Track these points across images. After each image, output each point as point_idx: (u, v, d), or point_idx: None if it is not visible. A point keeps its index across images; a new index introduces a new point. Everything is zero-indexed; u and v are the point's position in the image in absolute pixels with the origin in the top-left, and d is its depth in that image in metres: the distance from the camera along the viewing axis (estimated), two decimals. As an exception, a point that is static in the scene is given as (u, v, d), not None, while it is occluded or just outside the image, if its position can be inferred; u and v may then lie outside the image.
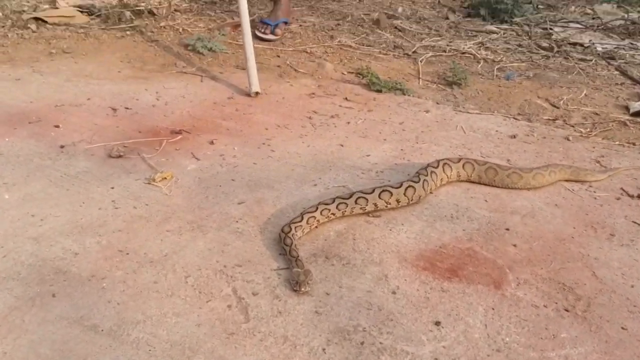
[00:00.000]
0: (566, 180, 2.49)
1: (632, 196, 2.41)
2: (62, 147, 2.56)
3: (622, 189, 2.46)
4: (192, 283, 1.84)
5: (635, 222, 2.24)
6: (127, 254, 1.95)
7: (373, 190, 2.18)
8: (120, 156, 2.51)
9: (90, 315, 1.70)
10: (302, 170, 2.48)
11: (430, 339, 1.66)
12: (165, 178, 2.36)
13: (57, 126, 2.71)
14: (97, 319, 1.68)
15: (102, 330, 1.65)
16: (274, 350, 1.60)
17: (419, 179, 2.25)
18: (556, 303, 1.83)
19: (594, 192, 2.44)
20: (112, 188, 2.29)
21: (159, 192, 2.28)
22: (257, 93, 3.13)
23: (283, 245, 1.96)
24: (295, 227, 2.03)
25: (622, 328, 1.74)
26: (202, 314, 1.71)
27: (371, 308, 1.76)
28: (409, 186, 2.22)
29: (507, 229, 2.17)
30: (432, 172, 2.32)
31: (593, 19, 4.68)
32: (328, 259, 1.97)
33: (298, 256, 1.90)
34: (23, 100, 2.92)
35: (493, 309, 1.79)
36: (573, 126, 2.99)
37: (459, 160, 2.42)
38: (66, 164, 2.44)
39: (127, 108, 2.92)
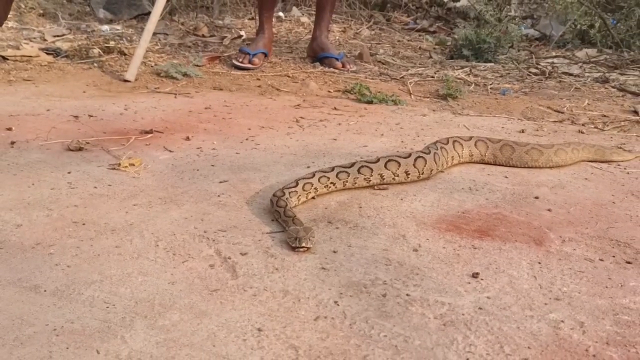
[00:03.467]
0: (590, 161, 2.24)
1: (667, 171, 2.15)
2: (12, 143, 2.25)
3: (654, 165, 2.21)
4: (164, 246, 1.51)
5: (679, 189, 1.97)
6: (84, 224, 1.61)
7: (378, 160, 1.90)
8: (80, 149, 2.20)
9: (31, 277, 1.34)
10: (292, 157, 2.19)
11: (469, 290, 1.35)
12: (133, 164, 2.05)
13: (10, 129, 2.41)
14: (39, 281, 1.32)
15: (45, 291, 1.29)
16: (272, 304, 1.26)
17: (430, 151, 1.99)
18: (614, 257, 1.53)
19: (624, 169, 2.18)
20: (69, 173, 1.97)
21: (125, 176, 1.97)
22: (126, 81, 3.18)
23: (276, 208, 1.65)
24: (290, 193, 1.73)
25: (701, 275, 1.42)
26: (177, 273, 1.38)
27: (390, 264, 1.45)
28: (419, 157, 1.95)
29: (537, 198, 1.89)
30: (442, 147, 2.06)
31: (575, 63, 4.65)
32: (331, 223, 1.67)
33: (295, 216, 1.60)
34: (-28, 111, 2.62)
35: (539, 262, 1.48)
36: (583, 125, 2.78)
37: (470, 138, 2.18)
38: (16, 155, 2.12)
39: (90, 116, 2.64)
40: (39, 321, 1.17)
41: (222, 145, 2.30)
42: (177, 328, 1.17)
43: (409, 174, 1.93)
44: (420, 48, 4.72)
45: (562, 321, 1.23)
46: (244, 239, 1.54)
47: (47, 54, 3.87)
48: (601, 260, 1.51)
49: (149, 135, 2.38)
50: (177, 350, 1.10)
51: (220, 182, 1.93)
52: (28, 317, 1.19)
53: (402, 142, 2.41)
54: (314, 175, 1.81)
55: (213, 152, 2.22)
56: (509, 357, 1.11)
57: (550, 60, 4.34)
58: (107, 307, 1.23)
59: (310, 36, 4.12)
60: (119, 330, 1.15)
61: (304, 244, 1.45)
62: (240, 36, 4.51)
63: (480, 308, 1.27)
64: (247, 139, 2.38)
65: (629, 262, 1.50)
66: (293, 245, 1.47)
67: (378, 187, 1.90)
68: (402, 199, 1.84)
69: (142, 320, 1.18)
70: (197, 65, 3.66)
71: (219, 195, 1.82)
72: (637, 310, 1.28)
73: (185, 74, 3.41)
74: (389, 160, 1.90)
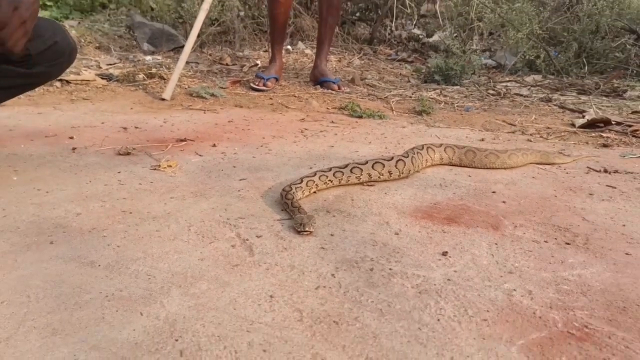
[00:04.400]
0: (537, 163, 2.22)
1: (599, 171, 2.15)
2: (74, 149, 2.24)
3: (588, 167, 2.21)
4: (195, 230, 1.49)
5: (609, 186, 1.97)
6: (130, 213, 1.60)
7: (366, 162, 1.89)
8: (128, 154, 2.19)
9: (88, 255, 1.33)
10: (297, 160, 2.17)
11: (439, 265, 1.34)
12: (170, 166, 2.04)
13: (72, 137, 2.41)
14: (94, 258, 1.31)
15: (99, 265, 1.27)
16: (281, 277, 1.25)
17: (408, 155, 1.98)
18: (555, 239, 1.51)
19: (564, 169, 2.17)
20: (119, 172, 1.96)
21: (164, 175, 1.95)
22: (163, 99, 3.16)
23: (284, 200, 1.64)
24: (296, 188, 1.71)
25: (626, 254, 1.42)
26: (206, 252, 1.36)
27: (376, 244, 1.43)
28: (400, 160, 1.94)
29: (494, 192, 1.88)
30: (418, 152, 2.04)
31: (525, 86, 4.64)
32: (329, 212, 1.65)
33: (300, 206, 1.58)
34: (41, 124, 2.62)
35: (496, 243, 1.47)
36: (531, 135, 2.77)
37: (441, 145, 2.17)
38: (76, 159, 2.11)
39: (136, 127, 2.63)
40: (94, 289, 1.17)
41: (242, 151, 2.28)
42: (205, 295, 1.16)
43: (391, 174, 1.92)
44: (400, 74, 4.70)
45: (514, 290, 1.22)
46: (259, 225, 1.53)
47: (102, 78, 3.87)
48: (545, 242, 1.50)
49: (183, 143, 2.37)
50: (205, 313, 1.09)
51: (240, 179, 1.91)
52: (85, 286, 1.18)
53: (386, 148, 2.39)
54: (315, 174, 1.80)
55: (234, 156, 2.20)
56: (472, 318, 1.11)
57: (504, 84, 4.32)
58: (149, 279, 1.22)
59: (312, 64, 4.11)
60: (159, 296, 1.15)
61: (307, 229, 1.45)
62: (257, 64, 4.50)
63: (448, 279, 1.26)
64: (261, 146, 2.36)
65: (568, 244, 1.49)
66: (299, 229, 1.46)
67: (367, 184, 1.88)
68: (386, 193, 1.82)
69: (177, 289, 1.18)
70: (222, 88, 3.65)
71: (239, 190, 1.80)
72: (574, 281, 1.27)
73: (212, 94, 3.40)
74: (375, 162, 1.89)
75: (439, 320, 1.09)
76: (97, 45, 4.79)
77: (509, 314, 1.12)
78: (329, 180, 1.81)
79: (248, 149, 2.32)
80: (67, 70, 3.93)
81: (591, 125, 2.88)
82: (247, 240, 1.43)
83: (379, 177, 1.90)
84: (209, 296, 1.15)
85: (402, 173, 1.93)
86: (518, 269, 1.32)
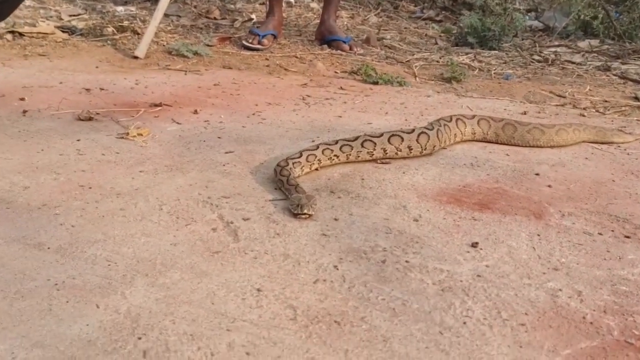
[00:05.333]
0: (591, 142, 2.18)
1: (667, 153, 2.10)
2: (24, 112, 2.21)
3: (654, 148, 2.16)
4: (168, 210, 1.47)
5: (679, 170, 1.92)
6: (90, 188, 1.58)
7: (381, 135, 1.85)
8: (90, 119, 2.16)
9: (36, 235, 1.30)
10: (297, 132, 2.14)
11: (467, 258, 1.31)
12: (141, 134, 2.02)
13: (23, 99, 2.38)
14: (43, 239, 1.29)
15: (49, 248, 1.25)
16: (272, 267, 1.22)
17: (433, 128, 1.94)
18: (612, 231, 1.48)
19: (625, 150, 2.13)
20: (78, 140, 1.93)
21: (133, 145, 1.93)
22: (136, 57, 3.15)
23: (279, 177, 1.61)
24: (293, 163, 1.68)
25: (700, 250, 1.38)
26: (180, 235, 1.34)
27: (390, 232, 1.41)
28: (422, 133, 1.90)
29: (537, 174, 1.85)
30: (445, 124, 2.00)
31: (578, 52, 4.57)
32: (333, 193, 1.63)
33: (297, 185, 1.56)
34: (-13, 82, 2.58)
35: (538, 235, 1.44)
36: (585, 108, 2.72)
37: (473, 117, 2.12)
38: (27, 123, 2.08)
39: (102, 89, 2.60)
40: (41, 276, 1.14)
41: (229, 119, 2.25)
42: (177, 286, 1.14)
43: (411, 149, 1.88)
44: (426, 35, 4.65)
45: (560, 290, 1.19)
46: (247, 206, 1.51)
47: (63, 31, 3.83)
48: (600, 234, 1.46)
49: (158, 108, 2.34)
50: (176, 307, 1.07)
51: (226, 152, 1.89)
52: (30, 272, 1.16)
53: (406, 120, 2.36)
54: (317, 147, 1.77)
55: (220, 125, 2.18)
56: (506, 322, 1.08)
57: (553, 49, 4.26)
58: (109, 265, 1.20)
59: (318, 20, 4.06)
60: (120, 286, 1.12)
61: (305, 211, 1.41)
62: (251, 19, 4.45)
63: (478, 275, 1.23)
64: (253, 114, 2.34)
65: (627, 237, 1.45)
66: (295, 212, 1.43)
67: (381, 161, 1.86)
68: (404, 173, 1.79)
69: (143, 278, 1.15)
70: (208, 45, 3.61)
71: (224, 165, 1.78)
72: (634, 281, 1.24)
73: (195, 53, 3.36)
74: (393, 135, 1.86)
75: (465, 323, 1.06)
76: (58, -8, 4.75)
77: (552, 318, 1.09)
78: (335, 155, 1.78)
79: (237, 117, 2.29)
80: (21, 21, 3.90)
81: (659, 99, 2.83)
82: (232, 223, 1.41)
83: (396, 154, 1.86)
84: (182, 288, 1.13)
85: (425, 149, 1.90)
86: (565, 265, 1.29)
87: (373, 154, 1.84)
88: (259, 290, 1.14)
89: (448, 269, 1.25)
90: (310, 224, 1.42)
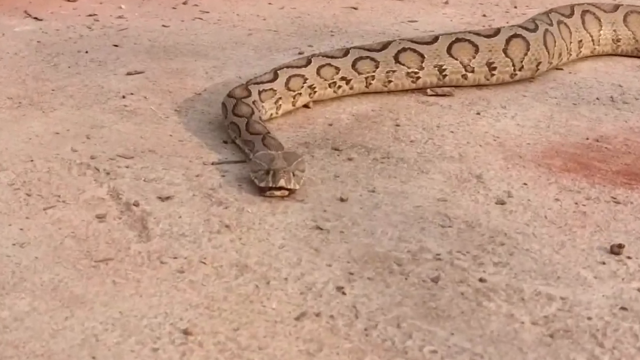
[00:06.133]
0: None
1: None
2: None
3: None
4: (11, 181, 1.15)
5: None
6: None
7: (436, 39, 1.42)
8: None
9: None
10: (270, 36, 1.74)
11: (603, 276, 0.99)
12: None
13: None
14: None
15: None
16: (214, 289, 0.92)
17: (536, 27, 1.48)
18: None
19: None
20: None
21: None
22: None
23: (232, 118, 1.22)
24: (261, 92, 1.28)
25: None
26: (33, 228, 1.04)
27: (450, 224, 1.07)
28: (515, 36, 1.45)
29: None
30: (560, 22, 1.52)
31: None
32: (339, 151, 1.26)
33: (267, 132, 1.19)
34: None
35: None
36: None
37: (617, 8, 1.63)
38: None
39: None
40: None
41: (137, 12, 1.84)
42: (24, 325, 0.81)
43: (494, 68, 1.45)
44: None
45: None
46: (168, 173, 1.17)
47: None
48: None
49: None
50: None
51: (129, 73, 1.52)
52: None
53: (484, 15, 1.91)
54: (309, 62, 1.35)
55: (118, 22, 1.78)
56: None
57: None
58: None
59: None
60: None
61: (281, 183, 1.05)
62: None
63: (623, 308, 0.90)
64: (184, 3, 1.91)
65: None
66: (262, 184, 1.07)
67: (433, 91, 1.45)
68: (478, 113, 1.42)
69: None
70: None
71: (123, 97, 1.42)
72: None
73: None
74: (457, 40, 1.42)
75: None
76: None
77: None
78: (343, 77, 1.39)
79: (153, 6, 1.86)
80: None
81: None
82: (136, 205, 1.06)
83: (464, 77, 1.45)
84: (33, 327, 0.82)
85: (521, 68, 1.49)
86: None
87: (418, 77, 1.42)
88: (186, 334, 0.80)
89: (564, 296, 0.94)
90: (291, 207, 1.08)
